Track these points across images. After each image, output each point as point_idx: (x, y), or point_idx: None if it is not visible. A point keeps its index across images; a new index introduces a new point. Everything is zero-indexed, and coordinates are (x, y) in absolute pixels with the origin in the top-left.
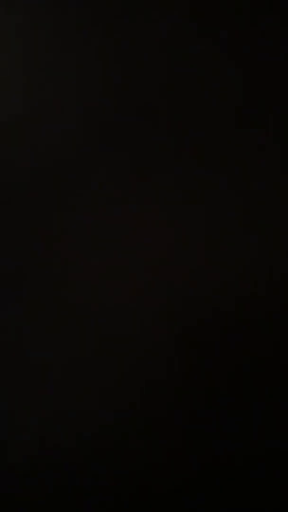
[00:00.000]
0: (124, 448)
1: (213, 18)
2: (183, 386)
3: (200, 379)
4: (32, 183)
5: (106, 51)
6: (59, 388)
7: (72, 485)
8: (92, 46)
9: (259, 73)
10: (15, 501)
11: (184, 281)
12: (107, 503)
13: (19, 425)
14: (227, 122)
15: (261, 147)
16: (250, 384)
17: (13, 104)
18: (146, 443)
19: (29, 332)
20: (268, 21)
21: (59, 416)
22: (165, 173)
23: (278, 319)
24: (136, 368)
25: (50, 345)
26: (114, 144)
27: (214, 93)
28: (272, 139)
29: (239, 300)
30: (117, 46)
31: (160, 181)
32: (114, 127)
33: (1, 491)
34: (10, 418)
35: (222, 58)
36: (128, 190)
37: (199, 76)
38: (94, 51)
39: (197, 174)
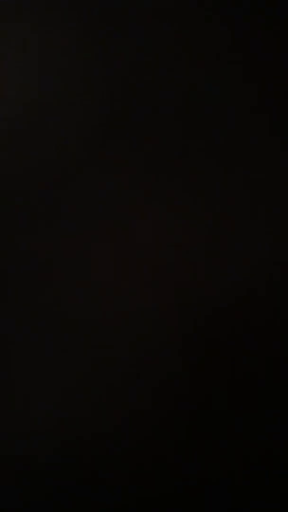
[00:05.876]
0: (125, 453)
1: (213, 18)
2: (184, 390)
3: (201, 383)
4: (32, 184)
5: (109, 50)
6: (58, 392)
7: (71, 488)
8: (95, 46)
9: (261, 73)
10: (16, 503)
11: (186, 283)
12: (106, 507)
13: (19, 430)
14: (229, 122)
15: (264, 147)
16: (251, 387)
17: (14, 106)
18: (147, 447)
19: (29, 331)
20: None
21: (59, 421)
22: (167, 174)
23: (281, 321)
24: (135, 372)
25: (50, 346)
26: (114, 144)
27: (216, 92)
28: (272, 140)
29: (241, 302)
30: (119, 46)
31: (161, 182)
32: (118, 127)
33: (2, 494)
34: (11, 423)
35: (223, 58)
36: (128, 191)
37: (201, 77)
38: (96, 50)
39: (200, 175)
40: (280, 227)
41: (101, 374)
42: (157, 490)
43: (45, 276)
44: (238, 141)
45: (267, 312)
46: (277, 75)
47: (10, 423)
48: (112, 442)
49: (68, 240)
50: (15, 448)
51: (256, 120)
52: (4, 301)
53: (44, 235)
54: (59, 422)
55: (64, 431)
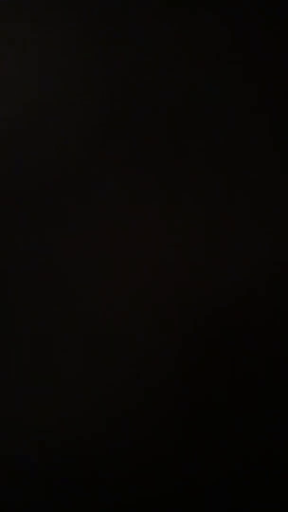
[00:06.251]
0: (122, 454)
1: (213, 18)
2: (184, 390)
3: (201, 383)
4: (32, 184)
5: (109, 50)
6: (58, 392)
7: (71, 488)
8: (95, 46)
9: (261, 73)
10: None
11: (186, 283)
12: (106, 507)
13: (19, 430)
14: (229, 122)
15: (264, 147)
16: (251, 387)
17: (14, 106)
18: (147, 447)
19: (29, 331)
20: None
21: (58, 422)
22: (167, 174)
23: (281, 321)
24: (135, 372)
25: (50, 346)
26: (114, 144)
27: (216, 92)
28: (272, 139)
29: (241, 302)
30: (119, 46)
31: (161, 182)
32: (118, 127)
33: (2, 494)
34: (10, 424)
35: (223, 58)
36: (128, 191)
37: (201, 77)
38: (96, 50)
39: (200, 174)
40: (280, 227)
41: (101, 374)
42: (157, 490)
43: (45, 276)
44: (238, 141)
45: (267, 312)
46: (277, 75)
47: (10, 423)
48: (112, 442)
49: (68, 240)
50: (15, 448)
51: (256, 120)
52: (4, 301)
53: (44, 235)
54: (59, 422)
55: (64, 431)
